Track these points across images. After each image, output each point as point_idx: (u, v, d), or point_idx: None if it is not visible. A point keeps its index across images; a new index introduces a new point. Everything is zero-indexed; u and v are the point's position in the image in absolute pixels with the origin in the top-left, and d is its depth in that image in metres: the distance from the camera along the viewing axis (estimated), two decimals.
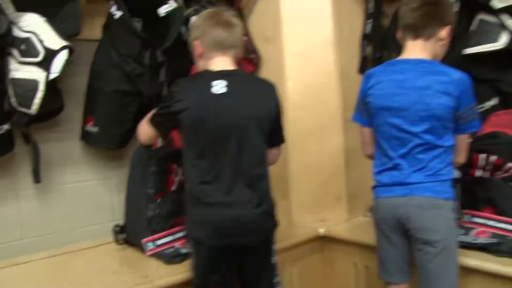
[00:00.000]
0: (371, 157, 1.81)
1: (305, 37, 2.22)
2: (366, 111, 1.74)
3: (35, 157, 1.91)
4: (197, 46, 1.66)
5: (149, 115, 1.72)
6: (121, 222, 2.18)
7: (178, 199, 1.92)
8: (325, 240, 2.20)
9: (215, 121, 1.55)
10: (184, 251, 1.83)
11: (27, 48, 1.75)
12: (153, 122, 1.67)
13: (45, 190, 2.05)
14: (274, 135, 1.69)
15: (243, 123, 1.58)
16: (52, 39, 1.76)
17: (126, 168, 2.21)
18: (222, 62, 1.64)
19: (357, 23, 2.32)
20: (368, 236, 2.04)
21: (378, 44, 2.24)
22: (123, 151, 2.21)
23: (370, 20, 2.25)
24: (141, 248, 1.91)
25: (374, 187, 1.76)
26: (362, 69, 2.27)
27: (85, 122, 2.02)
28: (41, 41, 1.75)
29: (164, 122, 1.65)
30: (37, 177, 1.93)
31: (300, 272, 2.15)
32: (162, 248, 1.89)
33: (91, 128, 2.00)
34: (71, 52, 1.81)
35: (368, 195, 2.37)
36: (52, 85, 1.84)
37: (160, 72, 1.91)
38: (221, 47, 1.62)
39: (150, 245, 1.88)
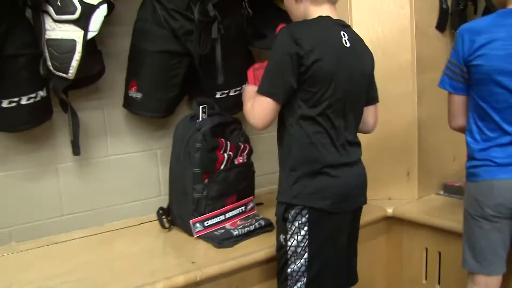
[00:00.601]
0: (460, 129, 1.51)
1: None
2: (462, 76, 1.43)
3: (74, 127, 1.69)
4: None
5: (252, 88, 1.43)
6: (166, 200, 1.98)
7: (228, 177, 1.69)
8: (393, 221, 1.92)
9: (347, 77, 1.36)
10: (236, 232, 1.60)
11: (62, 3, 1.49)
12: (269, 89, 1.33)
13: (85, 163, 1.83)
14: (373, 91, 1.55)
15: (361, 82, 1.43)
16: None
17: (171, 138, 1.97)
18: (332, 11, 1.42)
19: None
20: (443, 218, 1.78)
21: None
22: (169, 120, 1.97)
23: None
24: (187, 230, 1.69)
25: (478, 166, 1.44)
26: (442, 24, 1.91)
27: (128, 87, 1.77)
28: None
29: (286, 83, 1.32)
30: (76, 149, 1.71)
31: (363, 255, 1.88)
32: (211, 229, 1.67)
33: (134, 93, 1.75)
34: (111, 8, 1.55)
35: (442, 171, 2.10)
36: (91, 46, 1.61)
37: (212, 28, 1.62)
38: None
39: (198, 226, 1.66)
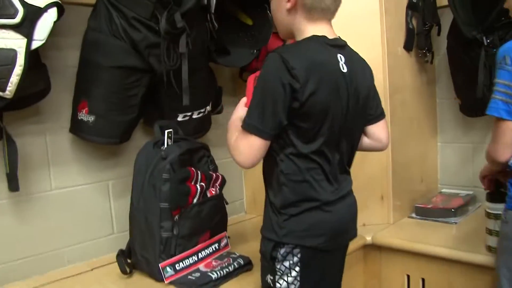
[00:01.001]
0: (506, 161, 1.30)
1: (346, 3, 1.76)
2: None
3: (11, 157, 1.36)
4: None
5: (236, 122, 1.21)
6: (120, 238, 1.69)
7: (201, 212, 1.45)
8: (370, 248, 1.79)
9: (344, 107, 1.19)
10: (214, 275, 1.36)
11: None
12: (257, 126, 1.12)
13: (23, 200, 1.50)
14: (379, 106, 1.38)
15: (359, 107, 1.25)
16: None
17: (125, 167, 1.73)
18: (328, 29, 1.24)
19: None
20: (425, 243, 1.67)
21: (427, 15, 1.84)
22: (120, 146, 1.71)
23: None
24: (154, 275, 1.42)
25: None
26: (409, 44, 1.86)
27: (76, 109, 1.49)
28: None
29: (276, 119, 1.11)
30: (13, 183, 1.38)
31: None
32: (183, 273, 1.41)
33: (85, 116, 1.46)
34: (61, 12, 1.29)
35: (412, 193, 2.02)
36: (34, 58, 1.32)
37: (180, 41, 1.40)
38: (328, 10, 1.21)
39: (169, 271, 1.39)
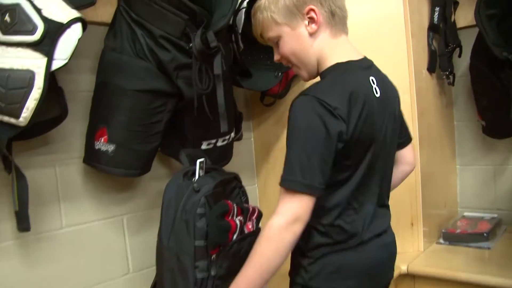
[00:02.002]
0: None
1: (372, 23, 1.65)
2: None
3: (21, 193, 1.14)
4: (314, 13, 1.04)
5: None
6: (135, 279, 1.49)
7: (240, 250, 1.24)
8: (403, 278, 1.63)
9: (381, 135, 1.06)
10: None
11: (14, 18, 1.01)
12: (307, 181, 0.93)
13: (31, 241, 1.27)
14: (406, 129, 1.28)
15: (394, 133, 1.14)
16: (55, 6, 1.05)
17: (140, 200, 1.54)
18: (349, 44, 1.10)
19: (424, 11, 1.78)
20: (463, 271, 1.53)
21: (449, 36, 1.75)
22: (133, 178, 1.51)
23: (437, 8, 1.74)
24: None
25: None
26: (433, 66, 1.75)
27: (93, 137, 1.28)
28: (38, 10, 1.03)
29: (326, 165, 0.94)
30: (24, 223, 1.15)
31: None
32: None
33: (104, 145, 1.26)
34: (84, 28, 1.10)
35: (438, 219, 1.89)
36: (52, 81, 1.13)
37: (214, 62, 1.23)
38: (344, 17, 1.06)
39: None
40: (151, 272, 1.53)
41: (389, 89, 1.14)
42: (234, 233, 1.22)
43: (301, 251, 1.07)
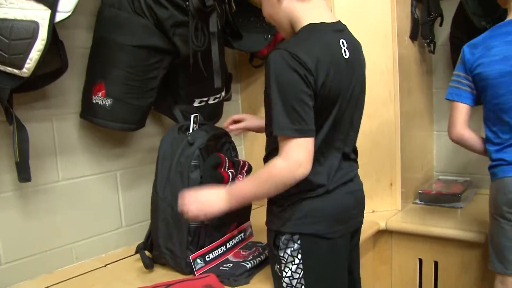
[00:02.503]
0: (459, 139, 1.47)
1: None
2: (468, 85, 1.43)
3: (22, 144, 1.19)
4: None
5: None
6: (128, 233, 1.57)
7: None
8: (381, 234, 1.76)
9: (349, 94, 1.12)
10: (249, 265, 1.27)
11: None
12: (293, 127, 1.01)
13: (30, 192, 1.33)
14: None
15: (361, 94, 1.19)
16: None
17: (133, 156, 1.61)
18: (323, 8, 1.14)
19: None
20: (437, 226, 1.67)
21: (431, 5, 1.84)
22: (127, 134, 1.57)
23: None
24: (180, 268, 1.31)
25: (494, 166, 1.39)
26: (415, 33, 1.84)
27: (91, 92, 1.33)
28: None
29: (306, 109, 1.01)
30: (24, 173, 1.20)
31: None
32: (213, 264, 1.30)
33: (101, 99, 1.31)
34: None
35: (415, 180, 2.02)
36: (54, 34, 1.16)
37: (210, 20, 1.29)
38: None
39: (200, 263, 1.27)
40: (143, 227, 1.62)
41: (360, 54, 1.21)
42: (227, 184, 1.30)
43: (273, 200, 1.16)
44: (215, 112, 1.62)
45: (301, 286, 1.13)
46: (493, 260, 1.38)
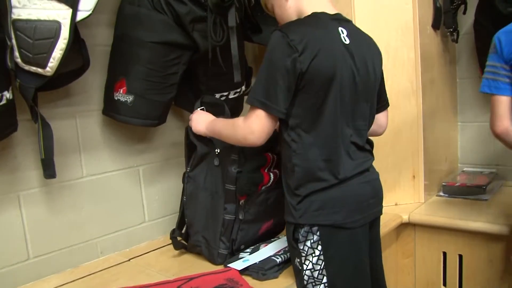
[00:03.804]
0: (504, 133, 1.36)
1: None
2: (507, 76, 1.33)
3: (47, 141, 1.22)
4: None
5: (214, 121, 1.27)
6: (150, 228, 1.61)
7: (269, 199, 1.35)
8: (404, 227, 1.75)
9: (350, 77, 1.14)
10: (279, 259, 1.27)
11: None
12: (263, 102, 1.08)
13: (55, 188, 1.37)
14: (382, 96, 1.34)
15: (369, 81, 1.21)
16: None
17: (155, 152, 1.64)
18: (327, 4, 1.21)
19: None
20: (462, 219, 1.64)
21: None
22: (149, 131, 1.60)
23: None
24: (211, 257, 1.34)
25: None
26: (437, 22, 1.81)
27: (113, 88, 1.36)
28: None
29: (283, 90, 1.07)
30: (50, 170, 1.23)
31: None
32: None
33: (123, 96, 1.34)
34: None
35: (439, 172, 1.99)
36: (76, 33, 1.19)
37: (229, 15, 1.30)
38: None
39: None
40: (166, 221, 1.66)
41: (364, 42, 1.23)
42: (265, 185, 1.31)
43: (291, 190, 1.17)
44: (236, 107, 1.63)
45: (323, 277, 1.13)
46: None
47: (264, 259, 1.27)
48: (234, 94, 1.58)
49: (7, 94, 1.12)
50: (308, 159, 1.12)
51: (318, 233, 1.13)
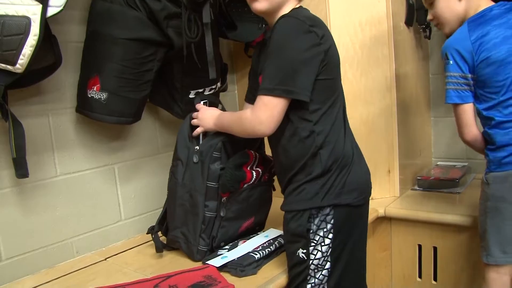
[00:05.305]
0: (474, 140, 1.42)
1: None
2: (467, 84, 1.37)
3: (18, 140, 1.20)
4: None
5: (221, 115, 1.28)
6: (126, 226, 1.60)
7: (251, 196, 1.35)
8: (380, 221, 1.78)
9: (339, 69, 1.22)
10: (257, 255, 1.27)
11: None
12: (286, 88, 1.09)
13: (28, 188, 1.34)
14: None
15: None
16: None
17: (130, 150, 1.62)
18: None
19: None
20: (436, 213, 1.68)
21: None
22: (124, 129, 1.58)
23: None
24: (190, 254, 1.33)
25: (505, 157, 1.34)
26: (410, 19, 1.84)
27: (86, 86, 1.33)
28: None
29: (310, 75, 1.10)
30: (22, 169, 1.22)
31: None
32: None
33: (97, 93, 1.32)
34: None
35: (413, 166, 2.03)
36: (46, 29, 1.16)
37: (204, 11, 1.29)
38: None
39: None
40: (142, 219, 1.65)
41: None
42: (248, 183, 1.31)
43: (310, 176, 1.16)
44: (211, 104, 1.62)
45: (326, 263, 1.17)
46: (494, 253, 1.36)
47: (243, 255, 1.27)
48: (210, 90, 1.57)
49: None
50: (331, 141, 1.16)
51: (332, 221, 1.15)
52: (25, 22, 1.07)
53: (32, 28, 1.08)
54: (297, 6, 1.19)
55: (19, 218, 1.33)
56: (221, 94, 1.76)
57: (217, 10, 1.54)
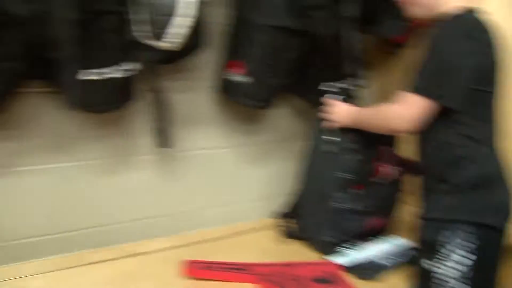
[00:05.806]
0: None
1: None
2: None
3: (164, 112, 1.32)
4: None
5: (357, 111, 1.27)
6: (254, 208, 1.63)
7: (382, 194, 1.32)
8: None
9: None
10: (388, 263, 1.22)
11: None
12: (435, 90, 1.06)
13: (166, 158, 1.46)
14: None
15: None
16: None
17: (264, 134, 1.65)
18: None
19: None
20: None
21: None
22: (258, 112, 1.61)
23: None
24: (316, 244, 1.34)
25: None
26: None
27: (227, 68, 1.40)
28: None
29: (463, 82, 1.05)
30: (166, 139, 1.33)
31: None
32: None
33: (242, 77, 1.36)
34: None
35: None
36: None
37: (346, 5, 1.25)
38: None
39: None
40: (268, 203, 1.65)
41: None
42: (377, 177, 1.29)
43: (458, 188, 1.09)
44: (347, 99, 1.58)
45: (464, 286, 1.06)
46: None
47: (372, 260, 1.23)
48: (345, 84, 1.53)
49: (129, 67, 1.20)
50: (480, 156, 1.08)
51: (477, 236, 1.04)
52: (190, 4, 1.14)
53: (187, 10, 1.15)
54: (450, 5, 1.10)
55: (156, 182, 1.45)
56: (355, 89, 1.71)
57: (362, 4, 1.49)
